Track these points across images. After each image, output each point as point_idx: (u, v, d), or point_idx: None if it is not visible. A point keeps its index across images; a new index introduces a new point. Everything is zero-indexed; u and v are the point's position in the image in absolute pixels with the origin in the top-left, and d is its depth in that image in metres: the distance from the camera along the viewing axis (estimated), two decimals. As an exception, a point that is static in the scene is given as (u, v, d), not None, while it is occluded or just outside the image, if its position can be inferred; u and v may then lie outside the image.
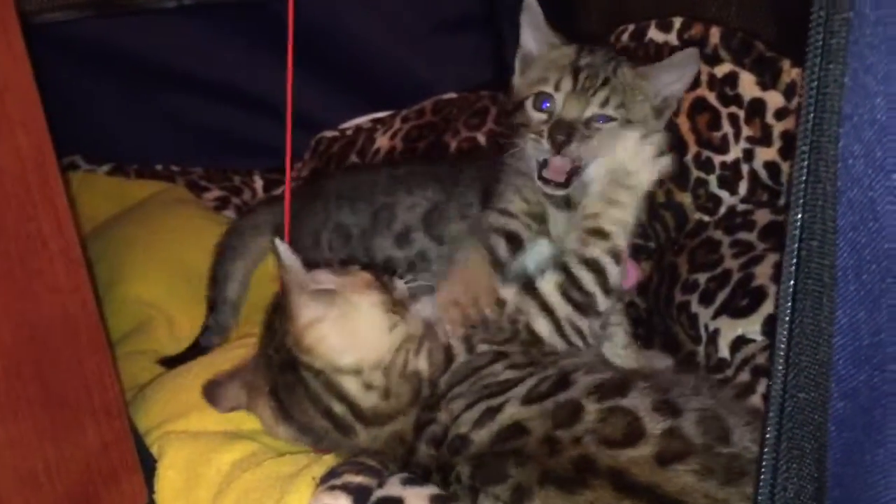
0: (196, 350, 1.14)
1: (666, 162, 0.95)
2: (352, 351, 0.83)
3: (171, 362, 1.10)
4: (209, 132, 1.76)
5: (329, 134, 1.76)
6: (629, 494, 0.69)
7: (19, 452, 0.72)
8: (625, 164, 0.94)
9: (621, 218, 0.92)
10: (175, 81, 1.72)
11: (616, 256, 0.91)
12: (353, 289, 0.85)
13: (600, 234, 0.92)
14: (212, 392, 0.89)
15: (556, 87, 0.96)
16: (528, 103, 0.97)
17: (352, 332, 0.83)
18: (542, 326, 0.89)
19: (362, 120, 1.75)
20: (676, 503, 0.67)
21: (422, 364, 0.85)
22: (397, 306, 0.86)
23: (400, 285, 0.90)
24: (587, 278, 0.90)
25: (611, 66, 0.98)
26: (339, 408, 0.82)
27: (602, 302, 0.91)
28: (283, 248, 0.85)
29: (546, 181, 0.95)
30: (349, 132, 1.73)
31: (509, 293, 0.91)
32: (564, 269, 0.91)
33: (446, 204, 1.08)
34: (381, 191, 1.12)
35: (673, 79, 0.99)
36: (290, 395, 0.84)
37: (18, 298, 0.71)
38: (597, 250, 0.91)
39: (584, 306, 0.90)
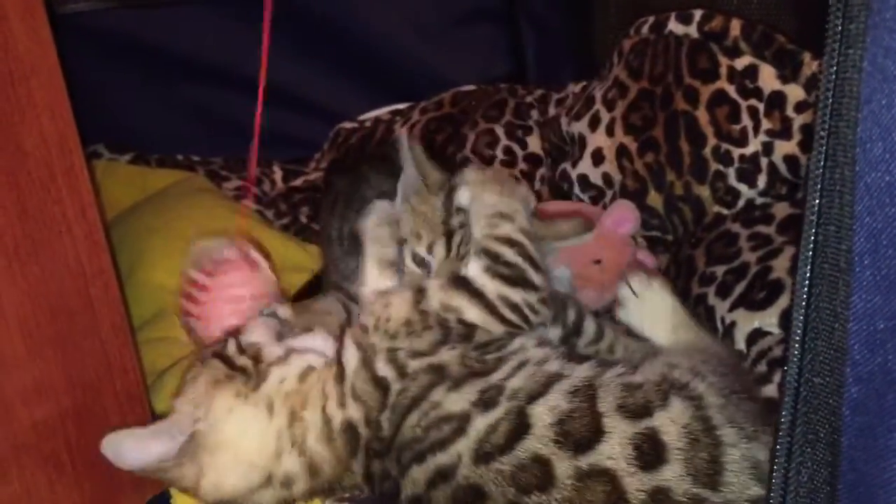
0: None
1: None
2: (250, 474, 0.76)
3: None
4: (229, 123, 1.76)
5: (348, 125, 1.77)
6: None
7: (43, 434, 0.73)
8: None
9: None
10: (197, 72, 1.73)
11: (527, 234, 0.87)
12: (205, 402, 0.76)
13: (504, 216, 0.88)
14: None
15: (429, 251, 0.92)
16: (406, 252, 0.93)
17: (236, 459, 0.75)
18: (475, 314, 0.82)
19: (381, 111, 1.76)
20: None
21: (351, 411, 0.77)
22: (259, 378, 0.78)
23: (261, 327, 0.84)
24: (508, 252, 0.84)
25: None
26: None
27: (533, 274, 0.84)
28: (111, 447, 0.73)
29: None
30: (368, 124, 1.74)
31: (434, 293, 0.83)
32: (483, 250, 0.85)
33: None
34: None
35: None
36: None
37: (42, 281, 0.72)
38: (507, 228, 0.86)
39: (514, 278, 0.83)
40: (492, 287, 0.82)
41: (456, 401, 0.74)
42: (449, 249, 0.91)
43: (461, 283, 0.83)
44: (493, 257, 0.84)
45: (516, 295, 0.82)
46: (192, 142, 1.75)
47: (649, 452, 0.67)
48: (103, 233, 0.77)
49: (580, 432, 0.69)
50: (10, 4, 0.66)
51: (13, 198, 0.68)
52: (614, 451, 0.67)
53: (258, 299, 1.00)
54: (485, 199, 0.89)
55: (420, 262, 0.92)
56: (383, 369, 0.78)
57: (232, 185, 1.64)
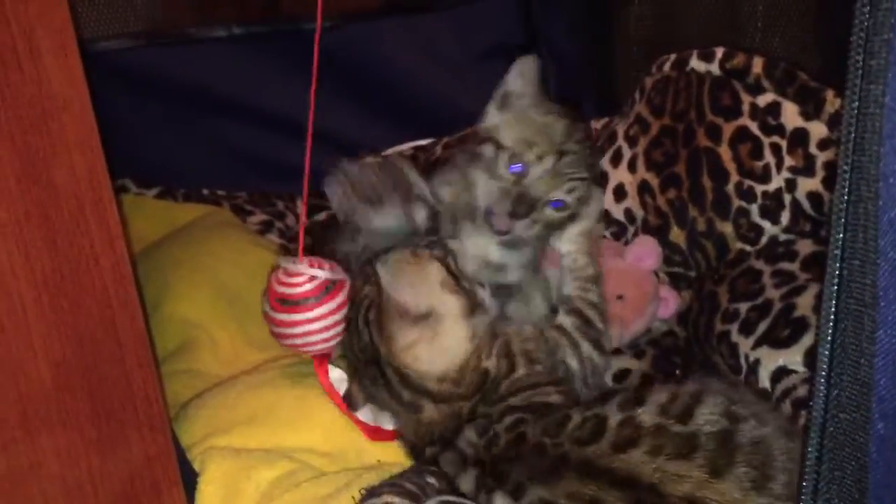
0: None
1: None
2: (440, 364, 0.92)
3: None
4: (254, 158, 1.80)
5: (370, 160, 1.78)
6: (593, 479, 0.79)
7: (67, 462, 0.73)
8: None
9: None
10: (222, 109, 1.76)
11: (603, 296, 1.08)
12: (439, 302, 0.92)
13: (594, 280, 1.06)
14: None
15: (539, 159, 0.98)
16: (503, 156, 1.00)
17: (442, 350, 0.92)
18: (574, 363, 1.01)
19: (404, 147, 1.77)
20: (628, 479, 0.78)
21: (490, 364, 0.94)
22: (476, 309, 0.94)
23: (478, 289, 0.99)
24: (596, 318, 1.04)
25: (586, 156, 1.05)
26: (415, 397, 0.92)
27: (606, 341, 1.05)
28: (383, 271, 0.91)
29: (490, 222, 1.03)
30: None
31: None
32: (576, 311, 1.04)
33: None
34: None
35: None
36: (373, 384, 0.94)
37: (70, 313, 0.73)
38: (594, 295, 1.05)
39: (599, 344, 1.03)
40: (585, 347, 1.02)
41: (559, 399, 0.93)
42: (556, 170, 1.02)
43: (561, 331, 1.03)
44: (585, 321, 1.03)
45: (600, 361, 1.04)
46: (218, 176, 1.77)
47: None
48: (130, 265, 0.78)
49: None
50: (45, 42, 0.67)
51: (43, 231, 0.69)
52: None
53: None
54: (580, 260, 1.08)
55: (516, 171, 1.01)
56: (519, 360, 0.96)
57: (256, 219, 1.65)
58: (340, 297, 0.95)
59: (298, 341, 0.95)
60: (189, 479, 0.88)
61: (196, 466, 0.90)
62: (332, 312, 0.94)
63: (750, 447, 0.77)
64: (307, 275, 0.93)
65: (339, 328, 0.96)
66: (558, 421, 0.86)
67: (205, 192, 1.73)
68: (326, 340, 0.96)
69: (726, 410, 0.80)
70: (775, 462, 0.76)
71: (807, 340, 0.99)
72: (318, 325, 0.94)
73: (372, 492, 0.79)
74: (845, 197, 0.41)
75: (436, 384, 0.92)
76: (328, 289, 0.94)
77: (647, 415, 0.82)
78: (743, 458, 0.76)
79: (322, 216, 1.72)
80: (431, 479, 0.83)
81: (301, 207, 1.02)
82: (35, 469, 0.70)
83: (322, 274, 0.93)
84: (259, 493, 0.85)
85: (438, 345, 0.92)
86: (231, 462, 0.88)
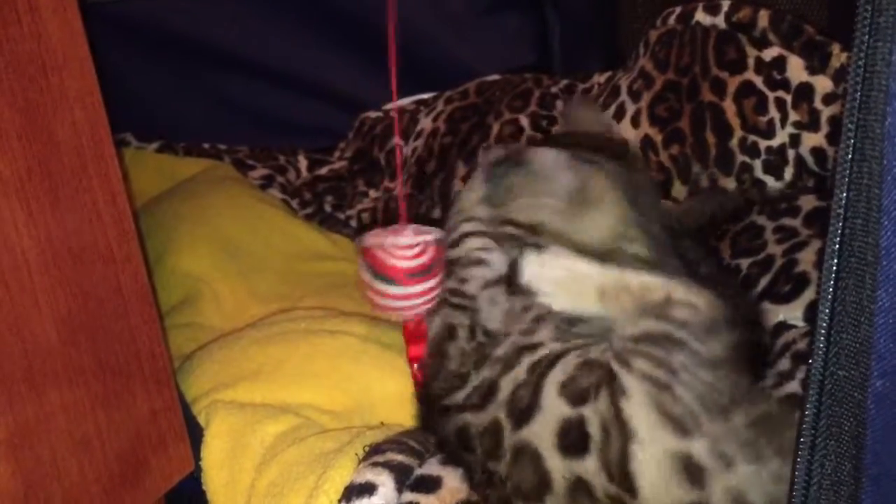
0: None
1: None
2: None
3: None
4: (255, 112, 1.79)
5: (372, 114, 1.78)
6: None
7: (73, 417, 0.74)
8: None
9: None
10: (223, 62, 1.75)
11: None
12: None
13: None
14: None
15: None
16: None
17: None
18: None
19: (405, 101, 1.76)
20: None
21: None
22: None
23: None
24: None
25: None
26: None
27: None
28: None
29: None
30: (392, 113, 1.75)
31: None
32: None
33: None
34: None
35: None
36: None
37: (74, 269, 0.73)
38: None
39: None
40: None
41: None
42: None
43: None
44: None
45: None
46: (219, 130, 1.77)
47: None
48: (132, 221, 0.79)
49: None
50: (43, -4, 0.67)
51: (46, 187, 0.69)
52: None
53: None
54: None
55: None
56: None
57: (258, 173, 1.65)
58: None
59: (424, 307, 0.92)
60: (194, 433, 0.89)
61: (201, 420, 0.91)
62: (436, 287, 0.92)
63: None
64: (422, 243, 0.91)
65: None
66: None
67: (206, 146, 1.73)
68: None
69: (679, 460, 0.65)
70: None
71: (808, 295, 0.99)
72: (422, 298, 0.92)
73: (376, 449, 0.80)
74: (849, 155, 0.41)
75: None
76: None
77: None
78: None
79: (324, 170, 1.72)
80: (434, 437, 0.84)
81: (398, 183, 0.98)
82: (42, 424, 0.71)
83: (432, 237, 0.92)
84: (264, 447, 0.86)
85: None
86: (236, 416, 0.89)
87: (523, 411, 0.71)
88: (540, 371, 0.73)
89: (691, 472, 0.63)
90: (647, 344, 0.69)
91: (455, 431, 0.77)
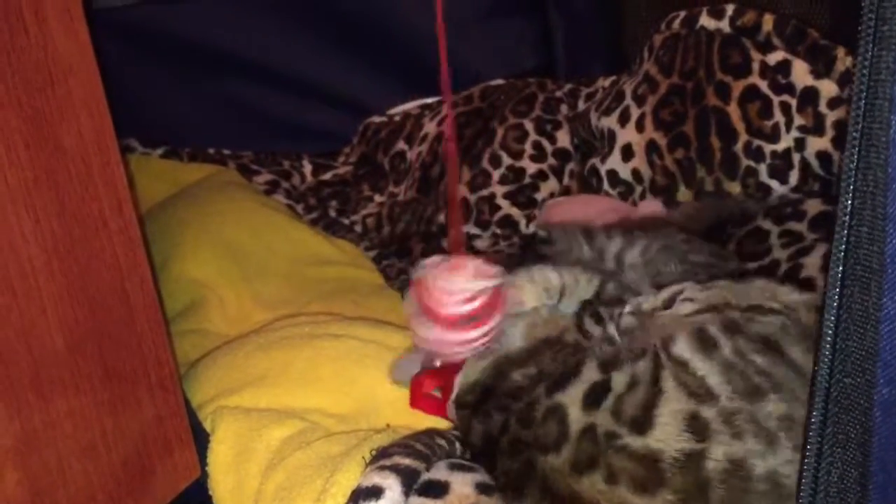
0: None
1: None
2: None
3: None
4: (260, 117, 1.79)
5: (377, 119, 1.78)
6: None
7: (80, 424, 0.75)
8: None
9: None
10: (227, 68, 1.75)
11: None
12: None
13: None
14: None
15: None
16: None
17: None
18: None
19: (410, 106, 1.76)
20: None
21: None
22: None
23: None
24: None
25: None
26: None
27: None
28: None
29: None
30: (397, 118, 1.75)
31: None
32: None
33: None
34: None
35: None
36: None
37: (80, 277, 0.73)
38: None
39: None
40: None
41: None
42: None
43: None
44: None
45: None
46: (223, 136, 1.77)
47: None
48: (138, 228, 0.79)
49: None
50: (50, 6, 0.67)
51: (52, 195, 0.69)
52: None
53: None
54: None
55: None
56: None
57: (262, 178, 1.65)
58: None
59: (474, 349, 0.87)
60: (200, 439, 0.89)
61: (207, 426, 0.91)
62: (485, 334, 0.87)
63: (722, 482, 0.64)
64: (476, 291, 0.85)
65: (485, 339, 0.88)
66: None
67: (210, 151, 1.73)
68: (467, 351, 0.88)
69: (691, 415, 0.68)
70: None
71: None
72: (469, 344, 0.87)
73: (382, 452, 0.80)
74: (854, 163, 0.41)
75: None
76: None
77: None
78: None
79: (329, 175, 1.73)
80: (441, 441, 0.84)
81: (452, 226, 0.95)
82: (48, 431, 0.71)
83: (490, 284, 0.85)
84: (270, 451, 0.86)
85: None
86: (242, 422, 0.89)
87: (558, 381, 0.76)
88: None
89: (697, 427, 0.66)
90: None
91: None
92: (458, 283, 0.85)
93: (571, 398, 0.73)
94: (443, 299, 0.85)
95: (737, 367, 0.70)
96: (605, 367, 0.75)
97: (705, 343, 0.72)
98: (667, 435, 0.67)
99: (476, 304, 0.84)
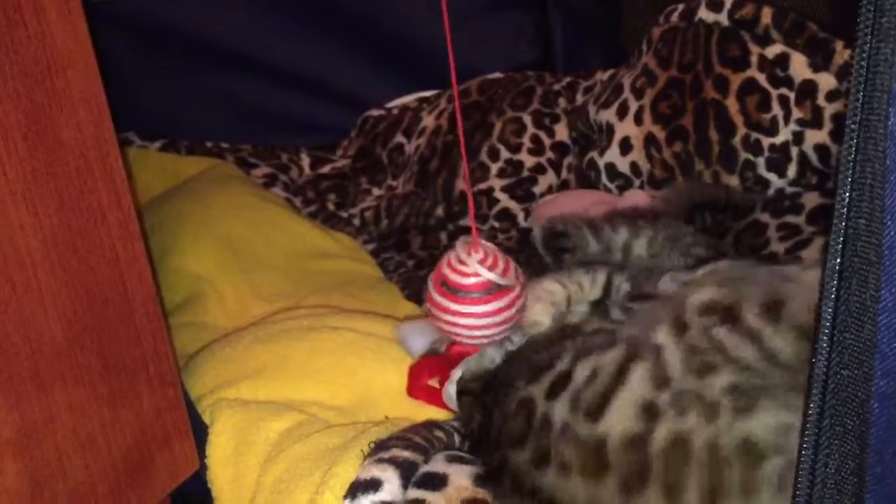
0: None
1: None
2: None
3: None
4: (258, 110, 1.79)
5: (375, 113, 1.78)
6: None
7: (79, 416, 0.75)
8: None
9: None
10: (226, 61, 1.75)
11: None
12: None
13: None
14: None
15: None
16: None
17: None
18: None
19: (408, 99, 1.76)
20: None
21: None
22: None
23: None
24: None
25: None
26: None
27: None
28: None
29: None
30: (395, 111, 1.75)
31: None
32: None
33: None
34: None
35: None
36: None
37: (79, 270, 0.73)
38: None
39: None
40: None
41: None
42: None
43: None
44: None
45: None
46: (222, 129, 1.77)
47: None
48: (137, 221, 0.79)
49: None
50: (48, -1, 0.67)
51: (51, 188, 0.69)
52: None
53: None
54: None
55: None
56: None
57: (260, 171, 1.65)
58: (499, 303, 0.90)
59: (446, 327, 0.92)
60: (199, 431, 0.89)
61: (206, 419, 0.91)
62: (486, 314, 0.90)
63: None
64: (473, 270, 0.89)
65: (492, 331, 0.92)
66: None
67: (208, 144, 1.73)
68: (473, 338, 0.92)
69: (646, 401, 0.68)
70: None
71: (811, 293, 1.00)
72: (469, 321, 0.90)
73: (381, 445, 0.80)
74: (852, 155, 0.41)
75: None
76: (489, 290, 0.90)
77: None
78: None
79: (327, 168, 1.73)
80: (440, 433, 0.84)
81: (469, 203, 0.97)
82: (48, 424, 0.71)
83: (489, 276, 0.89)
84: (269, 444, 0.87)
85: None
86: (241, 414, 0.89)
87: (534, 372, 0.77)
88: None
89: (648, 412, 0.67)
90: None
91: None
92: (463, 255, 0.90)
93: (540, 390, 0.75)
94: (448, 260, 0.91)
95: (698, 347, 0.70)
96: (575, 358, 0.76)
97: (680, 327, 0.73)
98: (615, 420, 0.68)
99: (468, 280, 0.89)
